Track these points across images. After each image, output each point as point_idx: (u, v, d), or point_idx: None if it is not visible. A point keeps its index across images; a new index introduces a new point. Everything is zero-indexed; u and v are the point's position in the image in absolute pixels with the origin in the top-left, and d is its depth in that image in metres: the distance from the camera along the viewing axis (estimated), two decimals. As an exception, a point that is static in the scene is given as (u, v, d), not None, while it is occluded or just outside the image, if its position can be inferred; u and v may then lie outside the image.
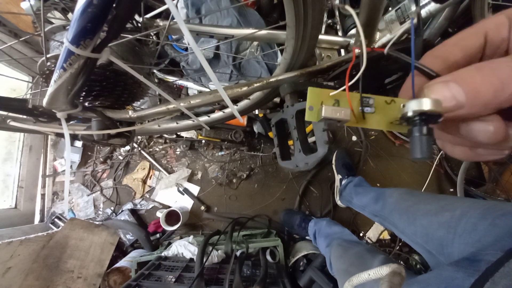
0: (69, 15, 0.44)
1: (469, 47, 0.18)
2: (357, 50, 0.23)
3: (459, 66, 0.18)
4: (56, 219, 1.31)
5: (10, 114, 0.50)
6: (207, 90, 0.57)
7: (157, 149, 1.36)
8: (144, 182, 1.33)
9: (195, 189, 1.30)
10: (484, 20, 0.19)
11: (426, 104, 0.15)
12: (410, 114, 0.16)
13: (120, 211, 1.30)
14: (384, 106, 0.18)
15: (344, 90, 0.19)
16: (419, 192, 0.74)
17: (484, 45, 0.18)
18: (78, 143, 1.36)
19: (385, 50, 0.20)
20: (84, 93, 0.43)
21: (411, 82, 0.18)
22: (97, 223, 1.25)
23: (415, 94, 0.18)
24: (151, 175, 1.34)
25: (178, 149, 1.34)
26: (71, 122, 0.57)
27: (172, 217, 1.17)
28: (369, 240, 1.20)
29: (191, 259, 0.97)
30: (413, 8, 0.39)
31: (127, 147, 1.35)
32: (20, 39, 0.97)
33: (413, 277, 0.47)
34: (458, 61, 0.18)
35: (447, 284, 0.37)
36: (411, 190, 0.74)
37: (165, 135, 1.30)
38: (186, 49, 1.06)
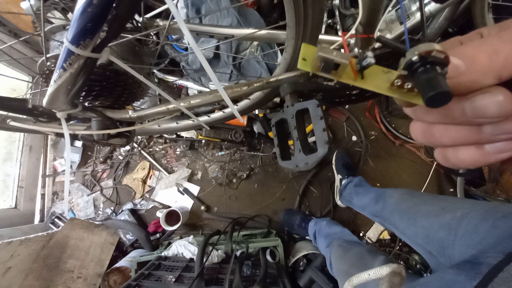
0: (69, 15, 0.44)
1: None
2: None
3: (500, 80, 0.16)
4: (56, 219, 1.31)
5: (10, 114, 0.50)
6: (207, 90, 0.57)
7: (157, 149, 1.36)
8: (144, 182, 1.33)
9: (195, 189, 1.30)
10: None
11: (430, 45, 0.14)
12: (415, 58, 0.15)
13: (120, 211, 1.30)
14: (381, 74, 0.18)
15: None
16: (420, 192, 0.74)
17: None
18: (78, 143, 1.36)
19: (375, 35, 0.19)
20: (84, 93, 0.43)
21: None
22: (97, 223, 1.25)
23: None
24: (151, 175, 1.34)
25: (178, 149, 1.35)
26: (71, 122, 0.57)
27: (172, 217, 1.17)
28: (369, 240, 1.20)
29: (191, 259, 0.97)
30: (413, 8, 0.39)
31: (127, 147, 1.35)
32: (20, 39, 0.97)
33: (414, 280, 0.47)
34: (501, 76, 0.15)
35: (449, 287, 0.37)
36: (411, 190, 0.74)
37: (165, 135, 1.30)
38: (186, 49, 1.06)
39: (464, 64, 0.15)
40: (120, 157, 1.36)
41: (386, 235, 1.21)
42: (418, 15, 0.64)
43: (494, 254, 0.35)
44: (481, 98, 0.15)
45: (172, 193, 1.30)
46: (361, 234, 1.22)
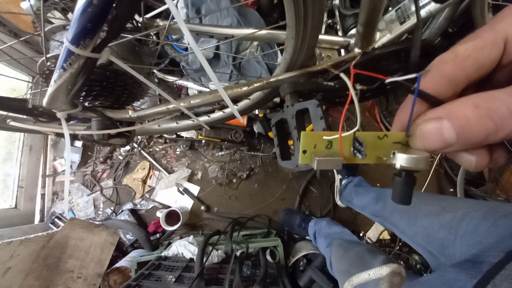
0: (69, 15, 0.44)
1: (484, 61, 0.16)
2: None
3: (469, 82, 0.17)
4: (56, 219, 1.31)
5: (10, 114, 0.50)
6: (207, 90, 0.57)
7: (157, 149, 1.36)
8: (144, 182, 1.33)
9: (195, 189, 1.30)
10: (505, 17, 0.16)
11: (414, 163, 0.17)
12: (397, 166, 0.17)
13: (120, 211, 1.30)
14: (375, 141, 0.19)
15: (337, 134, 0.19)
16: (420, 192, 0.74)
17: (503, 52, 0.16)
18: (78, 143, 1.36)
19: (387, 81, 0.19)
20: (84, 93, 0.43)
21: (407, 111, 0.18)
22: (97, 223, 1.25)
23: (412, 121, 0.18)
24: (151, 175, 1.34)
25: (178, 149, 1.34)
26: (71, 122, 0.57)
27: (172, 217, 1.17)
28: (369, 240, 1.20)
29: (191, 259, 0.97)
30: (413, 8, 0.39)
31: (127, 147, 1.35)
32: (20, 39, 0.97)
33: (415, 279, 0.47)
34: (469, 76, 0.17)
35: (450, 286, 0.37)
36: None
37: (165, 135, 1.30)
38: (186, 49, 1.06)
39: (457, 138, 0.15)
40: (120, 157, 1.36)
41: (386, 235, 1.21)
42: (418, 15, 0.64)
43: (495, 253, 0.35)
44: (459, 154, 0.17)
45: (172, 193, 1.30)
46: (361, 234, 1.22)
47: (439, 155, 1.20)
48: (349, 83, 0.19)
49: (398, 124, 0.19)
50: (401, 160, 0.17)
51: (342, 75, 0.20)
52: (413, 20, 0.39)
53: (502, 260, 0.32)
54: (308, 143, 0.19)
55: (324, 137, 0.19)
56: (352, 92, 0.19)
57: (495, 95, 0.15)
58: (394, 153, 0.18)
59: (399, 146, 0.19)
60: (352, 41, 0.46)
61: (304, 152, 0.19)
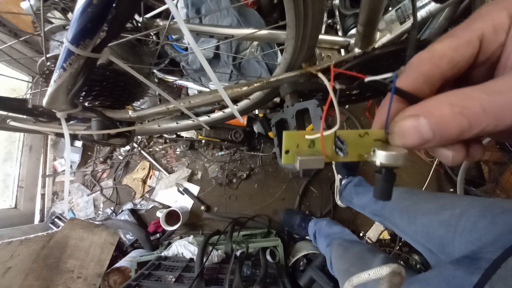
0: (69, 15, 0.44)
1: (459, 59, 0.17)
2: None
3: (445, 80, 0.18)
4: (56, 219, 1.31)
5: (10, 114, 0.50)
6: (207, 90, 0.57)
7: (157, 149, 1.36)
8: (144, 182, 1.33)
9: (195, 189, 1.30)
10: (481, 16, 0.17)
11: (393, 160, 0.17)
12: (377, 163, 0.18)
13: (120, 211, 1.30)
14: (357, 139, 0.19)
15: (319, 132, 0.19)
16: (419, 191, 0.74)
17: (478, 51, 0.17)
18: (78, 143, 1.36)
19: (366, 79, 0.20)
20: (84, 93, 0.43)
21: (385, 109, 0.19)
22: (97, 223, 1.25)
23: (390, 120, 0.18)
24: (151, 175, 1.34)
25: (178, 149, 1.34)
26: (71, 122, 0.57)
27: (172, 217, 1.17)
28: (369, 240, 1.20)
29: (191, 259, 0.97)
30: (413, 8, 0.39)
31: (127, 147, 1.35)
32: (20, 39, 0.97)
33: (413, 276, 0.47)
34: (445, 74, 0.17)
35: (448, 282, 0.37)
36: (411, 189, 0.74)
37: (165, 135, 1.30)
38: (186, 49, 1.06)
39: (433, 134, 0.16)
40: (120, 157, 1.36)
41: (386, 235, 1.21)
42: (418, 15, 0.64)
43: (493, 250, 0.35)
44: (437, 149, 0.18)
45: (172, 193, 1.30)
46: (361, 234, 1.22)
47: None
48: (327, 83, 0.19)
49: (378, 122, 0.20)
50: (380, 157, 0.18)
51: (320, 74, 0.20)
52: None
53: (497, 259, 0.32)
54: (290, 143, 0.19)
55: (307, 136, 0.19)
56: (331, 92, 0.19)
57: (469, 92, 0.15)
58: (374, 151, 0.18)
59: (379, 143, 0.19)
60: (352, 41, 0.46)
61: (287, 152, 0.19)
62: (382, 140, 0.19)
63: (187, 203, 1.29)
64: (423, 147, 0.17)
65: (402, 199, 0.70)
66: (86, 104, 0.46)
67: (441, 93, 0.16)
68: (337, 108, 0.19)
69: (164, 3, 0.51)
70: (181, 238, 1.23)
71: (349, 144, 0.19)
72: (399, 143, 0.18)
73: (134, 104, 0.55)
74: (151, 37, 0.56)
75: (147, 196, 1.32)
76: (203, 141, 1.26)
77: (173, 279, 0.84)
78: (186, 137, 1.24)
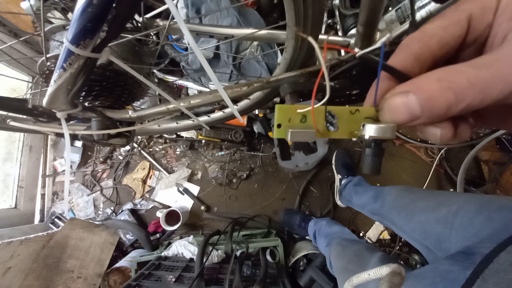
0: (69, 15, 0.44)
1: (448, 39, 0.17)
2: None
3: (435, 59, 0.18)
4: (56, 219, 1.31)
5: (10, 114, 0.50)
6: (207, 90, 0.57)
7: (157, 149, 1.36)
8: (144, 182, 1.33)
9: (195, 189, 1.30)
10: None
11: (382, 132, 0.17)
12: (366, 137, 0.18)
13: (120, 211, 1.30)
14: (348, 116, 0.19)
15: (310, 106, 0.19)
16: (417, 189, 0.74)
17: (467, 31, 0.17)
18: (78, 143, 1.36)
19: (357, 54, 0.20)
20: (84, 93, 0.43)
21: (376, 88, 0.19)
22: (97, 223, 1.25)
23: (380, 98, 0.19)
24: (151, 175, 1.34)
25: (178, 149, 1.34)
26: (71, 122, 0.57)
27: (172, 217, 1.17)
28: (369, 240, 1.20)
29: (191, 259, 0.97)
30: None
31: (127, 147, 1.35)
32: (20, 39, 0.97)
33: (409, 271, 0.47)
34: (435, 54, 0.18)
35: (442, 277, 0.37)
36: (409, 187, 0.75)
37: (165, 135, 1.30)
38: (186, 49, 1.06)
39: (421, 110, 0.16)
40: (120, 157, 1.36)
41: (386, 235, 1.21)
42: (418, 15, 0.64)
43: (488, 245, 0.35)
44: (426, 127, 0.18)
45: (172, 193, 1.30)
46: (361, 234, 1.22)
47: (439, 154, 1.20)
48: (319, 55, 0.19)
49: (369, 100, 0.20)
50: (369, 130, 0.18)
51: (310, 38, 0.20)
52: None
53: (490, 254, 0.33)
54: (282, 116, 0.19)
55: (298, 111, 0.19)
56: (323, 66, 0.19)
57: (457, 68, 0.15)
58: (363, 125, 0.19)
59: (370, 121, 0.19)
60: (352, 41, 0.46)
61: (279, 126, 0.19)
62: (373, 118, 0.19)
63: (187, 203, 1.29)
64: (412, 123, 0.17)
65: (400, 197, 0.70)
66: (86, 104, 0.46)
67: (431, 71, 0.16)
68: (327, 81, 0.19)
69: (164, 3, 0.51)
70: (181, 238, 1.23)
71: (340, 120, 0.19)
72: (389, 119, 0.18)
73: (134, 104, 0.55)
74: (151, 37, 0.56)
75: (147, 196, 1.32)
76: (203, 141, 1.26)
77: (173, 279, 0.84)
78: (186, 137, 1.24)
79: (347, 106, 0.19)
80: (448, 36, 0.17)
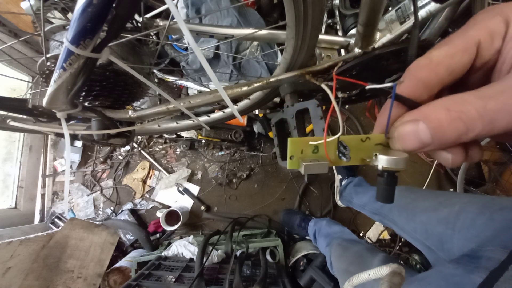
0: (69, 15, 0.44)
1: (456, 66, 0.17)
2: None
3: (443, 85, 0.18)
4: (56, 219, 1.31)
5: (10, 114, 0.50)
6: (207, 90, 0.57)
7: (157, 149, 1.36)
8: (144, 182, 1.33)
9: (195, 189, 1.30)
10: (477, 23, 0.17)
11: (395, 164, 0.18)
12: (379, 168, 0.18)
13: (120, 211, 1.30)
14: (359, 144, 0.20)
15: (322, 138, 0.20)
16: (418, 188, 0.74)
17: (475, 57, 0.17)
18: (78, 143, 1.36)
19: (367, 87, 0.20)
20: (84, 93, 0.43)
21: (386, 114, 0.19)
22: (97, 223, 1.25)
23: (390, 124, 0.19)
24: (151, 175, 1.34)
25: (178, 149, 1.34)
26: (71, 122, 0.57)
27: (172, 217, 1.17)
28: (369, 240, 1.20)
29: (191, 259, 0.97)
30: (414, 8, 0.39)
31: (127, 147, 1.35)
32: (20, 39, 0.97)
33: (413, 275, 0.47)
34: (443, 80, 0.18)
35: (447, 281, 0.37)
36: (410, 187, 0.75)
37: (165, 135, 1.30)
38: (186, 49, 1.06)
39: (432, 138, 0.16)
40: (120, 157, 1.36)
41: (386, 235, 1.21)
42: (418, 15, 0.64)
43: (492, 248, 0.35)
44: (437, 152, 0.19)
45: (172, 193, 1.30)
46: (361, 234, 1.22)
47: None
48: (330, 94, 0.20)
49: (379, 127, 0.20)
50: (382, 161, 0.18)
51: (324, 86, 0.21)
52: (413, 20, 0.39)
53: (505, 261, 0.32)
54: (295, 149, 0.19)
55: (310, 142, 0.19)
56: (333, 101, 0.20)
57: (465, 98, 0.16)
58: (376, 155, 0.19)
59: (380, 147, 0.20)
60: (352, 41, 0.46)
61: (292, 157, 0.20)
62: (383, 144, 0.20)
63: (187, 203, 1.29)
64: (422, 150, 0.17)
65: (401, 197, 0.70)
66: (86, 104, 0.46)
67: (439, 98, 0.17)
68: (339, 115, 0.19)
69: (164, 3, 0.51)
70: (181, 238, 1.23)
71: (351, 148, 0.19)
72: (399, 147, 0.18)
73: (134, 104, 0.55)
74: (151, 37, 0.56)
75: (147, 196, 1.32)
76: (203, 141, 1.26)
77: (173, 279, 0.84)
78: (186, 137, 1.24)
79: (357, 135, 0.20)
80: (455, 64, 0.17)
